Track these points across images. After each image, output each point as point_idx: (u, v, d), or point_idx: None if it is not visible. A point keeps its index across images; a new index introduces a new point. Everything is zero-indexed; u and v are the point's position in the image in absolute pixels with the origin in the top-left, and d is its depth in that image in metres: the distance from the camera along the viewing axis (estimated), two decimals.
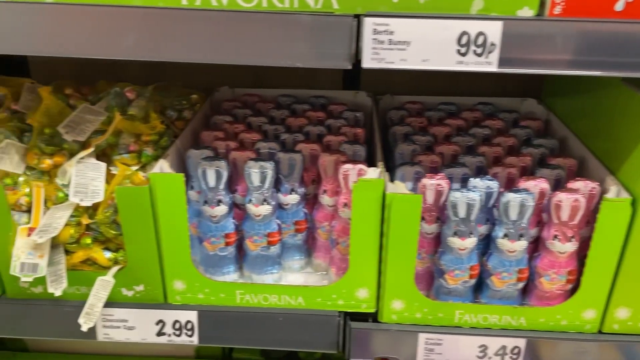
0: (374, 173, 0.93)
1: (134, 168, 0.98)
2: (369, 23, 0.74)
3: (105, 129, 1.02)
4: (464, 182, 1.00)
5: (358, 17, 0.75)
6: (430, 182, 0.94)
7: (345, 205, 0.98)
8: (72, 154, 1.00)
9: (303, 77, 1.51)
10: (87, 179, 0.95)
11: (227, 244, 1.03)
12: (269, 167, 0.97)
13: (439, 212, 0.96)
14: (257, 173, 0.98)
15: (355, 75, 1.51)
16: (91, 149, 0.96)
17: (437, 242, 0.98)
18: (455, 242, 0.92)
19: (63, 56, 0.75)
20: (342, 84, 1.52)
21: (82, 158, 0.95)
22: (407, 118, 1.25)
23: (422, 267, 1.00)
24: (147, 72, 1.53)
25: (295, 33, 0.75)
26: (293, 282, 1.08)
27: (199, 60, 0.76)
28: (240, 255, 1.08)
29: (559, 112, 1.28)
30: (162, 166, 0.94)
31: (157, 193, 0.92)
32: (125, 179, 0.95)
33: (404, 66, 0.76)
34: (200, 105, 1.17)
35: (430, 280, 1.02)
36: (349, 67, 0.76)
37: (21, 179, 0.99)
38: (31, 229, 0.94)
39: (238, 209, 1.06)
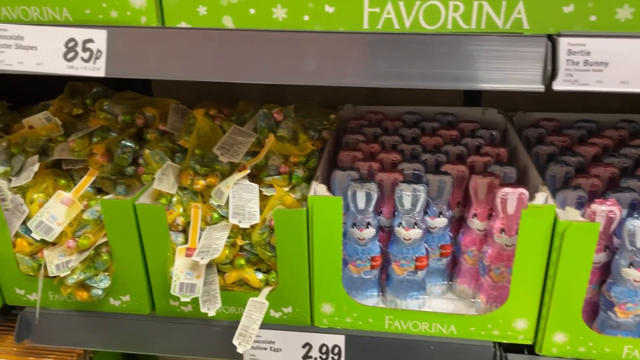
0: (541, 198, 0.89)
1: (285, 189, 0.98)
2: (563, 43, 0.70)
3: (254, 150, 1.02)
4: (632, 208, 0.94)
5: (550, 37, 0.72)
6: (601, 208, 0.88)
7: (502, 230, 0.94)
8: (223, 175, 1.01)
9: (420, 92, 1.48)
10: (243, 200, 0.95)
11: (373, 267, 1.00)
12: (421, 190, 0.95)
13: (608, 241, 0.90)
14: (409, 196, 0.95)
15: (476, 91, 1.46)
16: (247, 171, 0.97)
17: (604, 272, 0.92)
18: (630, 273, 0.86)
19: (248, 82, 0.76)
20: (462, 99, 1.48)
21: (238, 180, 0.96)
22: (546, 137, 1.19)
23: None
24: (264, 91, 1.55)
25: (482, 54, 0.72)
26: (438, 308, 1.04)
27: (383, 86, 0.74)
28: (382, 279, 1.05)
29: None
30: (317, 189, 0.93)
31: (314, 216, 0.91)
32: (277, 200, 0.95)
33: (600, 88, 0.71)
34: (336, 124, 1.16)
35: (591, 312, 0.96)
36: (542, 89, 0.72)
37: (174, 199, 1.01)
38: (189, 249, 0.95)
39: (382, 231, 1.04)
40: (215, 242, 0.93)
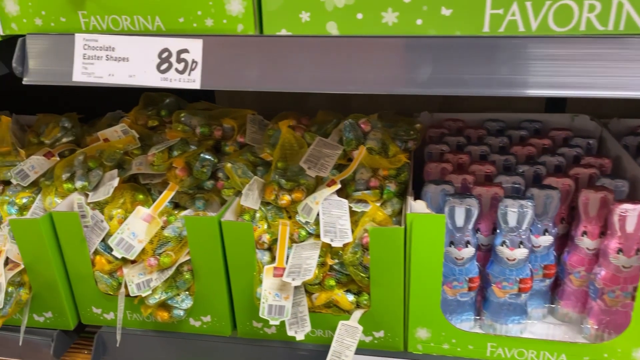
0: None
1: (377, 205, 0.92)
2: None
3: (339, 162, 0.97)
4: None
5: None
6: None
7: (620, 251, 0.86)
8: (308, 190, 0.95)
9: (496, 97, 1.40)
10: (333, 217, 0.90)
11: (470, 288, 0.93)
12: (528, 206, 0.87)
13: None
14: (514, 212, 0.87)
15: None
16: (337, 186, 0.91)
17: None
18: None
19: (356, 93, 0.70)
20: (544, 104, 1.39)
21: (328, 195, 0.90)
22: None
23: None
24: (328, 99, 1.50)
25: (622, 58, 0.65)
26: (540, 334, 0.96)
27: (506, 94, 0.68)
28: (477, 301, 0.98)
29: None
30: (416, 205, 0.87)
31: (413, 234, 0.84)
32: (370, 217, 0.89)
33: None
34: (422, 134, 1.10)
35: None
36: None
37: (257, 214, 0.96)
38: (277, 269, 0.90)
39: (478, 250, 0.96)
40: (305, 262, 0.88)
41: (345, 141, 0.96)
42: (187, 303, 0.96)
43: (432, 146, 1.14)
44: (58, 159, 1.10)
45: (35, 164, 1.09)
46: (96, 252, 0.98)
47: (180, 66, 0.75)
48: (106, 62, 0.76)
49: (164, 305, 0.97)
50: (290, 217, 0.95)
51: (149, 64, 0.75)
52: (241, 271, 0.93)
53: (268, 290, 0.89)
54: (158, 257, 0.94)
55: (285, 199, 0.94)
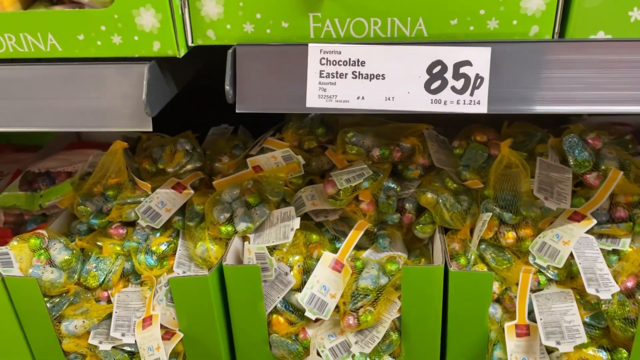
0: None
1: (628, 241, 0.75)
2: None
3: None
4: None
5: None
6: None
7: None
8: (535, 224, 0.78)
9: None
10: (588, 260, 0.73)
11: None
12: None
13: None
14: None
15: None
16: (591, 222, 0.74)
17: None
18: None
19: None
20: None
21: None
22: None
23: None
24: None
25: None
26: None
27: None
28: None
29: None
30: None
31: None
32: (632, 257, 0.72)
33: None
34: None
35: None
36: None
37: (471, 256, 0.79)
38: (519, 327, 0.73)
39: None
40: (563, 319, 0.71)
41: (576, 162, 0.79)
42: None
43: None
44: (191, 191, 0.90)
45: (165, 200, 0.89)
46: (273, 311, 0.79)
47: (459, 84, 0.56)
48: (353, 82, 0.57)
49: None
50: (519, 257, 0.78)
51: (413, 82, 0.57)
52: (464, 330, 0.76)
53: (514, 354, 0.72)
54: (356, 314, 0.76)
55: (511, 236, 0.77)
